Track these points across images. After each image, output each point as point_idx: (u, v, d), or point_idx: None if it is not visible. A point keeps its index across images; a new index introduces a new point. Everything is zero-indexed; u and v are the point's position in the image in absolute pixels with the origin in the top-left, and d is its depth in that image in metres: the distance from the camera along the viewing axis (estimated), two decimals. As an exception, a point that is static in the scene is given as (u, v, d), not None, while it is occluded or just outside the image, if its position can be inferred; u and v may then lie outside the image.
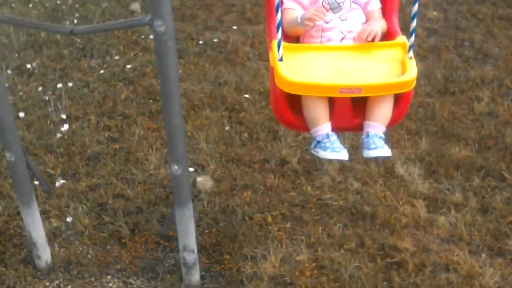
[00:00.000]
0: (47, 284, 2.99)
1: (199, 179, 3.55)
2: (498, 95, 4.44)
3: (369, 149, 2.54)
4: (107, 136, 4.00)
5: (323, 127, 2.59)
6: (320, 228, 3.25)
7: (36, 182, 3.43)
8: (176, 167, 2.60)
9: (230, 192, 3.54)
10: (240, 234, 3.22)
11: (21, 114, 4.19)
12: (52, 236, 3.23)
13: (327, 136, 2.57)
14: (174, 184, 2.68)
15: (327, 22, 2.69)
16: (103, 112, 4.25)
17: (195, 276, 2.94)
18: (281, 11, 2.51)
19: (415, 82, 2.47)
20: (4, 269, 3.04)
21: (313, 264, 3.04)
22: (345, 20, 2.72)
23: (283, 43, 2.51)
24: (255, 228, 3.27)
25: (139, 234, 3.24)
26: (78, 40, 5.18)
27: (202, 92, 4.50)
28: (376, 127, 2.59)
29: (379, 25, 2.68)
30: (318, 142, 2.58)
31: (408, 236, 3.21)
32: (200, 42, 5.27)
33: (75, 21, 5.62)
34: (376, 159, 2.63)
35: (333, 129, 2.61)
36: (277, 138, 3.98)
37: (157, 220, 3.33)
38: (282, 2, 2.72)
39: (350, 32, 2.70)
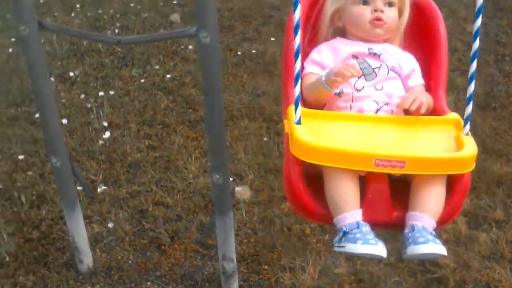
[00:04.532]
0: (88, 288, 3.04)
1: (237, 188, 3.58)
2: (540, 111, 4.38)
3: (416, 244, 1.89)
4: (147, 144, 4.06)
5: (352, 214, 1.94)
6: (359, 241, 3.24)
7: (79, 188, 3.50)
8: (217, 176, 2.62)
9: (268, 202, 3.55)
10: (278, 245, 3.23)
11: (64, 121, 4.28)
12: (94, 241, 3.28)
13: (357, 225, 1.93)
14: (215, 193, 2.71)
15: (358, 90, 2.17)
16: (144, 121, 4.32)
17: (234, 285, 2.95)
18: (301, 77, 1.99)
19: (475, 162, 1.94)
20: (47, 272, 3.10)
21: (352, 277, 3.03)
22: (380, 89, 2.18)
23: (302, 108, 1.97)
24: (293, 239, 3.27)
25: (179, 242, 3.28)
26: (119, 50, 5.27)
27: (240, 102, 4.54)
28: (424, 219, 1.95)
29: (424, 96, 2.14)
30: (345, 233, 1.93)
31: (449, 252, 3.14)
32: (239, 53, 5.32)
33: (116, 30, 5.73)
34: (426, 257, 2.00)
35: (364, 221, 1.96)
36: (315, 150, 3.98)
37: (196, 228, 3.36)
38: (303, 67, 2.21)
39: (387, 104, 2.15)
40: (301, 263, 3.11)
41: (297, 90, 1.90)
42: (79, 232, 3.02)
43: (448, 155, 1.93)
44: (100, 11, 6.11)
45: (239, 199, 3.51)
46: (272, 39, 5.58)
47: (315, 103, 2.19)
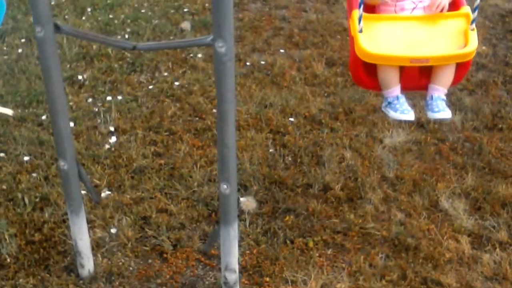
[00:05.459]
0: (88, 293, 3.03)
1: (242, 199, 3.57)
2: (547, 134, 4.38)
3: (432, 111, 3.07)
4: (153, 151, 4.06)
5: (394, 90, 3.10)
6: (362, 257, 3.23)
7: (83, 192, 3.49)
8: (225, 186, 2.62)
9: (272, 214, 3.54)
10: (281, 257, 3.21)
11: (71, 124, 4.27)
12: (96, 246, 3.27)
13: (397, 98, 3.10)
14: (222, 203, 2.70)
15: None
16: (150, 127, 4.32)
17: (235, 296, 2.94)
18: None
19: (475, 52, 2.93)
20: (47, 275, 3.09)
21: (354, 293, 3.02)
22: None
23: (363, 14, 2.92)
24: (296, 252, 3.26)
25: (181, 250, 3.27)
26: (129, 55, 5.28)
27: (247, 113, 4.54)
28: (439, 90, 3.09)
29: None
30: (389, 103, 3.12)
31: (451, 272, 3.16)
32: (247, 63, 5.33)
33: (126, 36, 5.75)
34: (438, 120, 3.24)
35: (402, 89, 3.12)
36: (320, 163, 3.98)
37: (198, 237, 3.35)
38: None
39: (421, 1, 3.14)
40: (303, 277, 3.10)
41: (361, 10, 2.89)
42: (82, 236, 3.01)
43: (456, 52, 2.94)
44: (111, 16, 6.13)
45: (243, 209, 3.50)
46: (281, 50, 5.59)
47: (370, 3, 3.22)
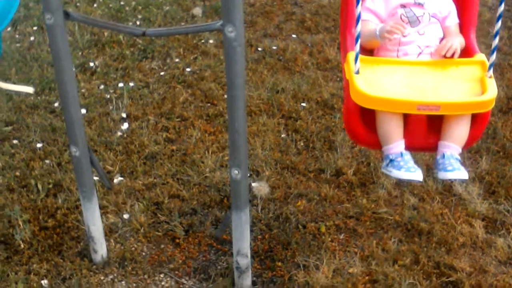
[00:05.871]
0: (102, 278, 3.05)
1: (254, 184, 3.57)
2: None
3: (445, 170, 2.47)
4: (164, 137, 4.06)
5: (397, 145, 2.52)
6: (375, 241, 3.22)
7: (96, 178, 3.50)
8: (236, 171, 2.62)
9: (284, 199, 3.54)
10: (293, 242, 3.21)
11: (83, 111, 4.29)
12: (109, 232, 3.29)
13: (401, 154, 2.51)
14: (233, 188, 2.70)
15: (404, 36, 2.63)
16: (162, 113, 4.32)
17: (247, 281, 2.94)
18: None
19: (494, 102, 2.41)
20: (61, 260, 3.11)
21: (366, 277, 3.01)
22: (423, 34, 2.67)
23: (360, 56, 2.46)
24: (308, 237, 3.26)
25: (193, 235, 3.28)
26: (140, 42, 5.28)
27: (259, 98, 4.52)
28: (451, 148, 2.52)
29: (458, 42, 2.63)
30: (391, 160, 2.52)
31: (465, 256, 3.14)
32: (259, 49, 5.30)
33: (138, 22, 5.74)
34: (452, 181, 2.59)
35: (406, 148, 2.54)
36: (333, 148, 3.96)
37: (211, 223, 3.36)
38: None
39: (427, 47, 2.66)
40: (315, 262, 3.09)
41: (356, 48, 2.40)
42: (95, 222, 3.03)
43: (473, 99, 2.41)
44: (122, 3, 6.11)
45: (256, 194, 3.50)
46: (293, 35, 5.55)
47: (368, 47, 2.71)
